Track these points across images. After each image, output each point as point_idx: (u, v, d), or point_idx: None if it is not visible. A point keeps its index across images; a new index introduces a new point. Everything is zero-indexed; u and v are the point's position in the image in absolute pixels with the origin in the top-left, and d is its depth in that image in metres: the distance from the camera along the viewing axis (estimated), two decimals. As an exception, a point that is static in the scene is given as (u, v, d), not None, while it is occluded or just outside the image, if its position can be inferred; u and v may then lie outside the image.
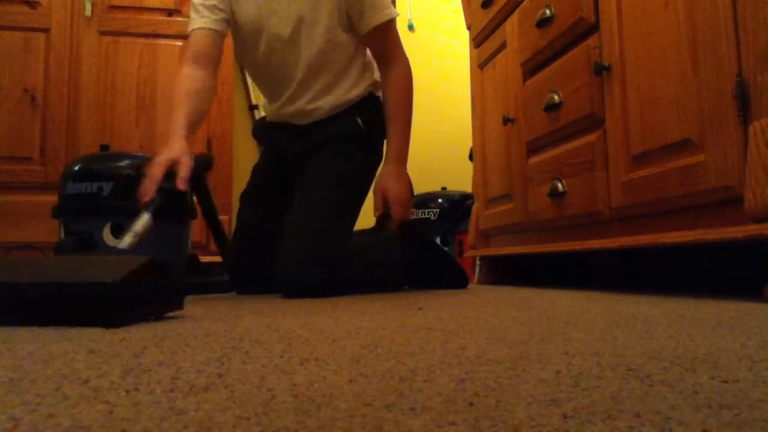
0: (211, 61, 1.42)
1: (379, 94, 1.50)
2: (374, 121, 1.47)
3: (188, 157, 1.24)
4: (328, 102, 1.46)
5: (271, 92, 1.53)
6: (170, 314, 0.84)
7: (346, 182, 1.43)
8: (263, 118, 1.66)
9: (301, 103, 1.46)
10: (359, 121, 1.45)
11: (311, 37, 1.39)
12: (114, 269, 0.73)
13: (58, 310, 0.72)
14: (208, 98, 1.43)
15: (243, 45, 1.48)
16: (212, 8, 1.41)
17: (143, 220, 1.11)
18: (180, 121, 1.31)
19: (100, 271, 0.73)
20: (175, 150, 1.24)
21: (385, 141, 1.51)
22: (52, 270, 0.80)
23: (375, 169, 1.51)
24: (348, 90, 1.46)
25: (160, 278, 0.79)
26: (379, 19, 1.38)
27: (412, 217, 1.47)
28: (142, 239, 1.09)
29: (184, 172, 1.21)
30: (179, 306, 0.86)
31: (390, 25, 1.42)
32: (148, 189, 1.18)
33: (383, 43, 1.43)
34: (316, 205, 1.38)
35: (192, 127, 1.35)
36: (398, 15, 1.43)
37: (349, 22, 1.41)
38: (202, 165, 1.43)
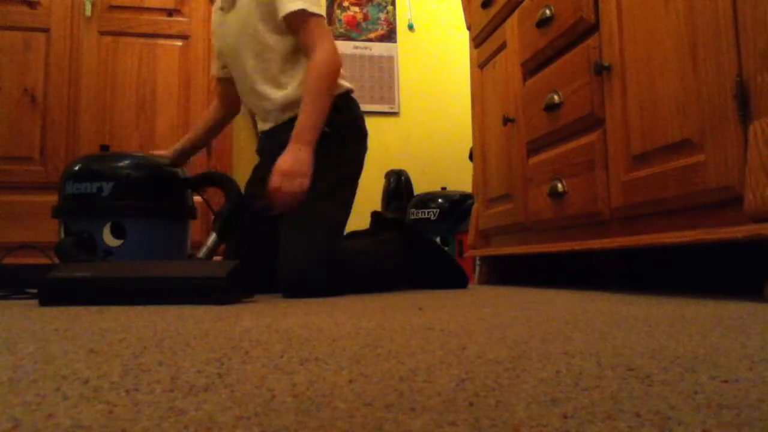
0: (228, 100, 1.73)
1: (339, 93, 1.51)
2: (337, 119, 1.47)
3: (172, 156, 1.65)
4: (276, 101, 1.52)
5: (248, 108, 1.70)
6: (246, 300, 1.20)
7: (322, 182, 1.42)
8: None
9: (254, 100, 1.58)
10: None
11: (248, 43, 1.51)
12: (220, 269, 1.11)
13: (187, 295, 1.07)
14: (215, 123, 1.77)
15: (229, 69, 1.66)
16: (216, 55, 1.69)
17: (212, 238, 1.44)
18: (182, 139, 1.72)
19: (213, 270, 1.12)
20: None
21: (357, 137, 1.57)
22: (180, 269, 1.15)
23: (352, 165, 1.54)
24: (296, 88, 1.50)
25: (241, 276, 1.15)
26: (285, 9, 1.42)
27: (290, 193, 1.35)
28: (214, 251, 1.44)
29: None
30: (251, 295, 1.27)
31: (299, 16, 1.42)
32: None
33: (300, 34, 1.45)
34: (306, 207, 1.38)
35: (193, 143, 1.74)
36: (309, 8, 1.42)
37: (275, 23, 1.47)
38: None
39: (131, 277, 1.11)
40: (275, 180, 1.34)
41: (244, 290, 1.20)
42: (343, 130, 1.50)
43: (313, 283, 1.31)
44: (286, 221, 1.40)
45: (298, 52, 1.50)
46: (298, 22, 1.43)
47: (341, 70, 1.52)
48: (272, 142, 1.55)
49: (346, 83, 1.55)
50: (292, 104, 1.49)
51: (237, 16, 1.52)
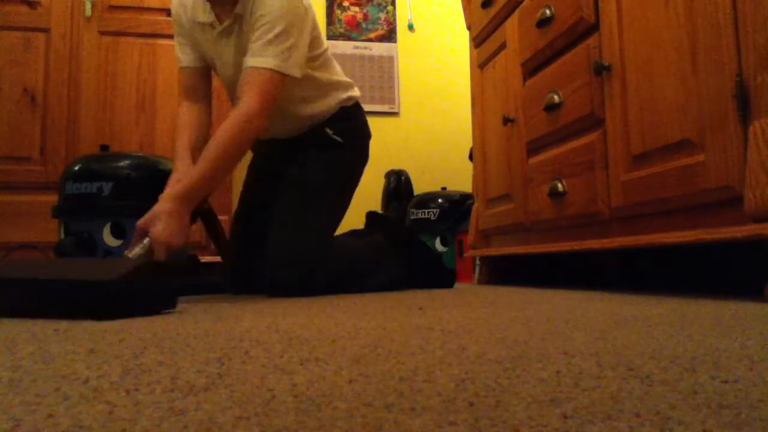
0: (202, 94, 1.49)
1: (351, 104, 1.55)
2: (346, 129, 1.52)
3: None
4: (288, 124, 1.50)
5: None
6: (164, 312, 0.91)
7: (317, 186, 1.47)
8: None
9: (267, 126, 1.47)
10: (329, 131, 1.50)
11: None
12: (110, 270, 0.83)
13: (63, 305, 0.82)
14: (204, 128, 1.47)
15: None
16: (186, 47, 1.49)
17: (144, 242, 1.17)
18: (179, 151, 1.38)
19: (99, 272, 0.84)
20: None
21: (365, 144, 1.58)
22: (61, 269, 0.90)
23: (354, 171, 1.56)
24: (312, 108, 1.49)
25: (152, 279, 0.89)
26: (252, 63, 1.29)
27: (172, 259, 1.17)
28: (148, 251, 1.15)
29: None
30: (172, 305, 0.94)
31: (256, 72, 1.28)
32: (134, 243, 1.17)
33: (244, 82, 1.30)
34: (289, 209, 1.43)
35: (192, 155, 1.39)
36: (277, 67, 1.28)
37: None
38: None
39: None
40: (161, 254, 1.15)
41: (160, 300, 0.92)
42: (352, 139, 1.54)
43: (287, 282, 1.35)
44: (277, 222, 1.43)
45: (311, 77, 1.45)
46: (253, 71, 1.29)
47: (346, 78, 1.54)
48: (284, 151, 1.55)
49: (355, 92, 1.57)
50: (311, 119, 1.51)
51: (234, 48, 1.39)
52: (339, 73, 1.56)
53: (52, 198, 1.58)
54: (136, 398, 0.33)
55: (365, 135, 1.60)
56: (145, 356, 0.48)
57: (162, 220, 1.15)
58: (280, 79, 1.31)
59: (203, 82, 1.50)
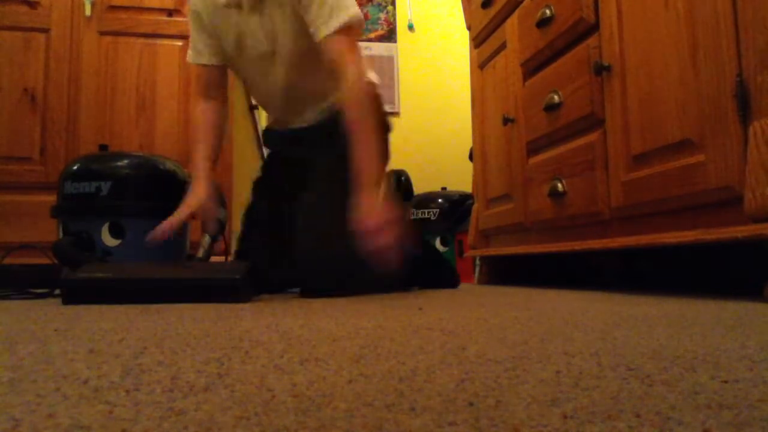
0: (220, 90, 1.51)
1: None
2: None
3: (212, 201, 1.37)
4: (317, 109, 1.48)
5: (266, 105, 1.60)
6: (255, 299, 1.24)
7: (346, 186, 1.38)
8: (267, 128, 1.70)
9: (292, 117, 1.51)
10: None
11: (285, 50, 1.39)
12: (234, 271, 1.18)
13: (205, 295, 1.13)
14: (224, 126, 1.54)
15: (234, 63, 1.49)
16: (206, 43, 1.46)
17: (206, 239, 1.40)
18: (200, 160, 1.42)
19: (228, 272, 1.18)
20: (198, 196, 1.35)
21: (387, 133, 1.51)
22: (201, 270, 1.24)
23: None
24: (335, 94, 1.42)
25: (252, 276, 1.21)
26: (325, 31, 1.30)
27: (386, 248, 1.18)
28: (210, 252, 1.41)
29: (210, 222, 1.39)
30: (259, 294, 1.32)
31: (335, 39, 1.30)
32: (161, 232, 1.27)
33: (331, 54, 1.32)
34: (323, 210, 1.37)
35: (213, 160, 1.47)
36: (351, 17, 1.32)
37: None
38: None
39: (153, 278, 1.16)
40: (379, 242, 1.18)
41: (255, 290, 1.26)
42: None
43: (322, 285, 1.30)
44: (302, 227, 1.38)
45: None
46: (331, 38, 1.31)
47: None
48: (305, 146, 1.51)
49: (373, 78, 1.50)
50: (332, 106, 1.45)
51: (267, 23, 1.37)
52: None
53: (52, 198, 1.58)
54: (136, 398, 0.33)
55: (386, 126, 1.52)
56: (145, 356, 0.48)
57: (359, 212, 1.21)
58: (358, 24, 1.36)
59: (223, 80, 1.51)
